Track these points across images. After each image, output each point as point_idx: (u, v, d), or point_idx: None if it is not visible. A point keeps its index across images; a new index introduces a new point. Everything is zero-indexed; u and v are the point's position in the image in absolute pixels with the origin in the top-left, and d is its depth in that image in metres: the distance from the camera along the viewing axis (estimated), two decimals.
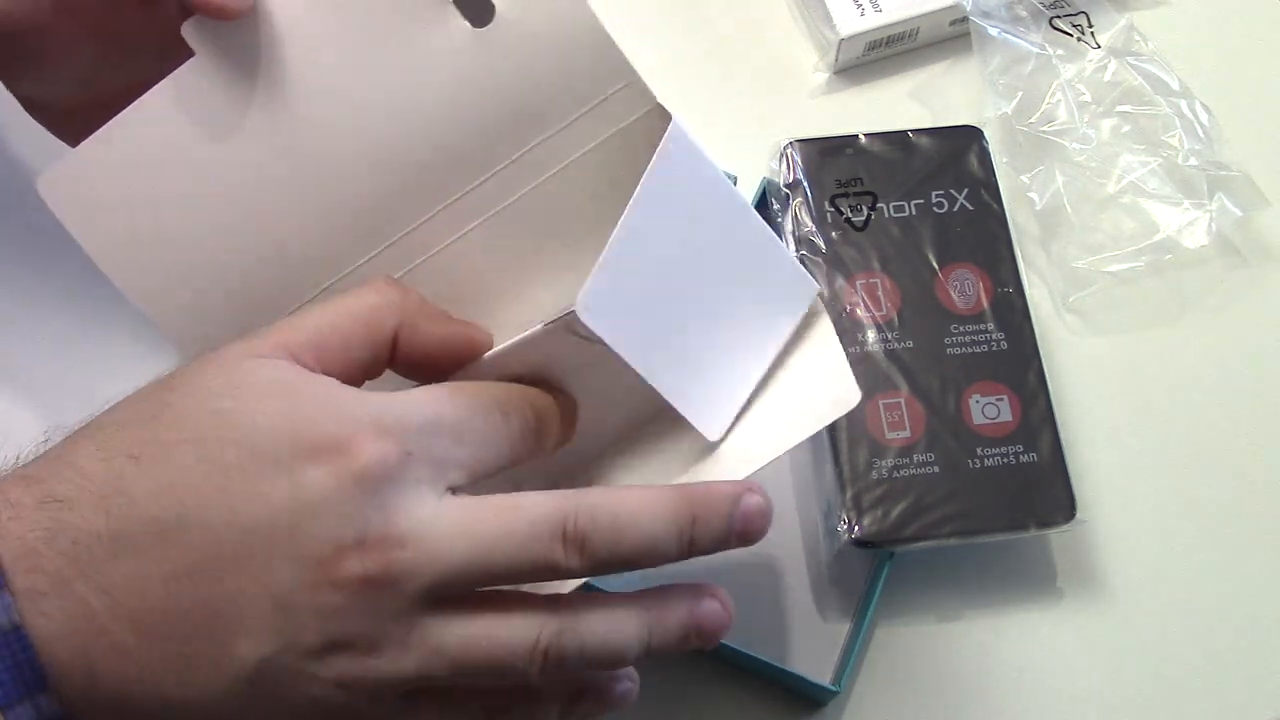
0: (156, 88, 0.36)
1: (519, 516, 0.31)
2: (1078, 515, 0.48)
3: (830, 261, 0.52)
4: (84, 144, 0.36)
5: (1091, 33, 0.61)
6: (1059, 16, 0.61)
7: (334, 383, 0.31)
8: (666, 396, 0.36)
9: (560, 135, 0.37)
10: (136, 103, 0.36)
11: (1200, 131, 0.58)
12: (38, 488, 0.29)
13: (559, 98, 0.37)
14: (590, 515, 0.32)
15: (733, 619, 0.36)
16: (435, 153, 0.37)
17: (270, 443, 0.29)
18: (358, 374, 0.33)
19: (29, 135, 0.44)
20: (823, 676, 0.48)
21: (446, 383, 0.33)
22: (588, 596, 0.34)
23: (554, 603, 0.33)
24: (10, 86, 0.41)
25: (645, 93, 0.38)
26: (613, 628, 0.33)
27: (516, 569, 0.31)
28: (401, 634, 0.30)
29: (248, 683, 0.29)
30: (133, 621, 0.28)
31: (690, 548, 0.34)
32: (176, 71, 0.36)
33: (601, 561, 0.32)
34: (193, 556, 0.29)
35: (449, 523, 0.31)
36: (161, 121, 0.36)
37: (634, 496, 0.33)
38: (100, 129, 0.36)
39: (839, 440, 0.49)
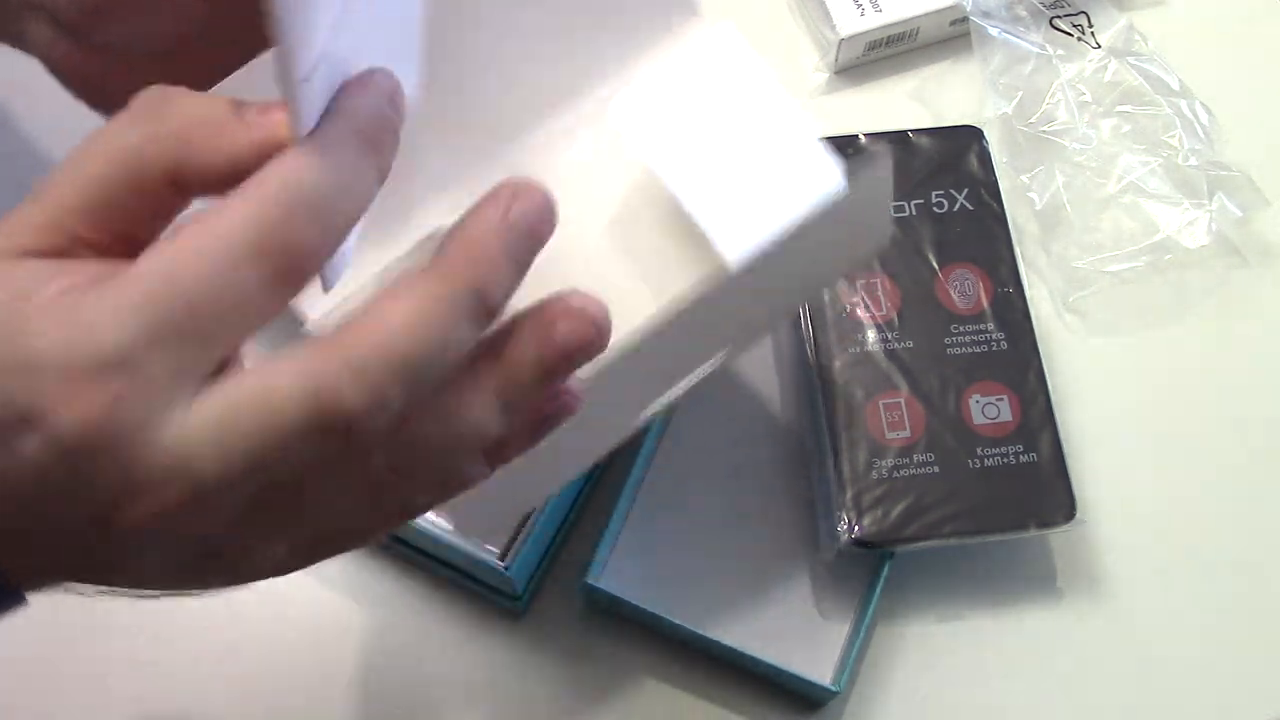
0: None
1: (274, 415, 0.26)
2: (1078, 515, 0.48)
3: None
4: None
5: (1091, 33, 0.61)
6: (1059, 16, 0.61)
7: (40, 311, 0.25)
8: None
9: None
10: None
11: (1200, 131, 0.58)
12: None
13: None
14: (354, 380, 0.26)
15: (601, 323, 0.29)
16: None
17: None
18: (125, 245, 0.27)
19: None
20: (823, 676, 0.48)
21: (172, 243, 0.26)
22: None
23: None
24: (88, 28, 0.38)
25: None
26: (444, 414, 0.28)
27: (291, 469, 0.27)
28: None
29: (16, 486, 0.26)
30: None
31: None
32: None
33: (394, 412, 0.27)
34: None
35: (198, 447, 0.26)
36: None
37: (399, 312, 0.27)
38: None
39: (839, 440, 0.49)
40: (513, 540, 0.46)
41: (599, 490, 0.51)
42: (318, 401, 0.26)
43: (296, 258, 0.26)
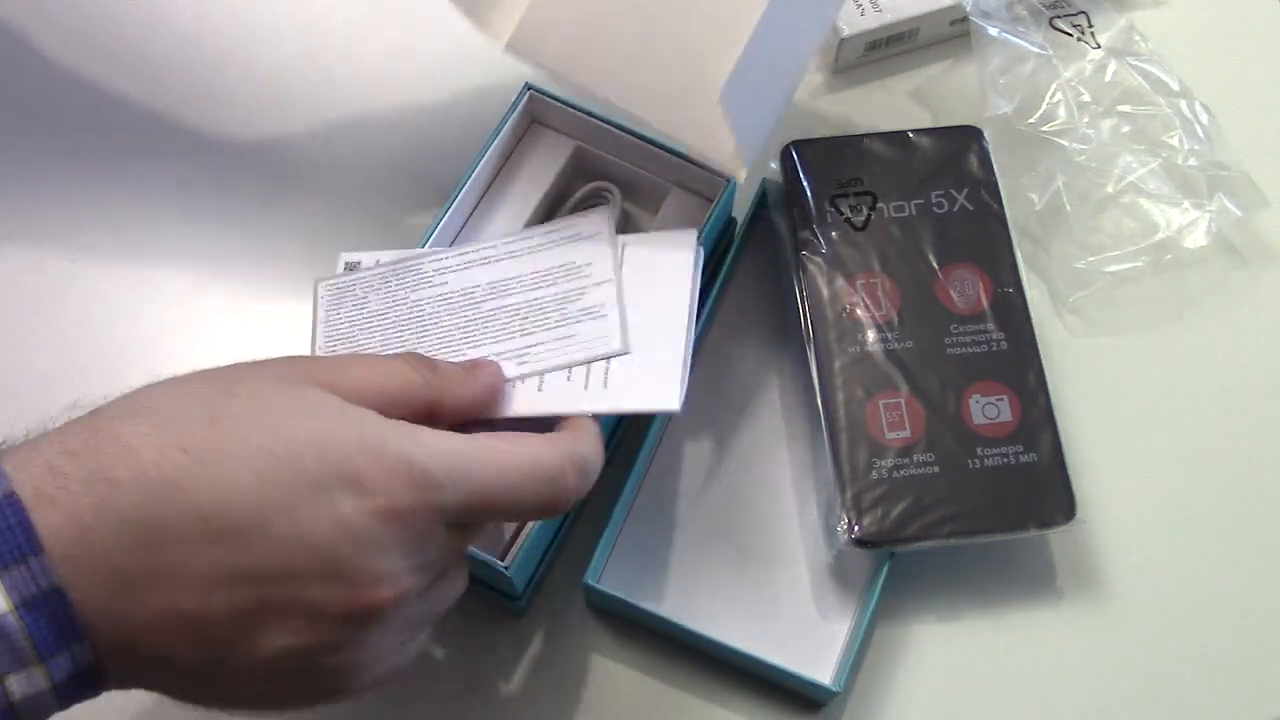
0: None
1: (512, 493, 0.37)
2: (1078, 515, 0.48)
3: (830, 261, 0.52)
4: None
5: (1091, 33, 0.61)
6: (1059, 16, 0.61)
7: (387, 421, 0.34)
8: None
9: None
10: None
11: (1200, 131, 0.58)
12: (84, 462, 0.31)
13: None
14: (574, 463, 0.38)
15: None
16: None
17: (317, 469, 0.32)
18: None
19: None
20: (823, 676, 0.48)
21: (501, 439, 0.37)
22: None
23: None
24: None
25: None
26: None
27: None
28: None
29: (264, 662, 0.32)
30: (170, 606, 0.31)
31: None
32: None
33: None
34: (236, 560, 0.31)
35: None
36: None
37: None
38: None
39: (839, 440, 0.49)
40: (513, 540, 0.46)
41: (599, 490, 0.51)
42: (557, 479, 0.38)
43: (563, 497, 0.38)
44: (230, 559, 0.31)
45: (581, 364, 0.44)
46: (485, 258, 0.48)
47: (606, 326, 0.45)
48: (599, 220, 0.48)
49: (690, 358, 0.44)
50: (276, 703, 0.35)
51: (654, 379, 0.44)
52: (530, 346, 0.45)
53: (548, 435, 0.38)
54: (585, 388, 0.44)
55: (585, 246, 0.47)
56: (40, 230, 0.56)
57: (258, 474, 0.31)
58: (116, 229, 0.56)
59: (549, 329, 0.45)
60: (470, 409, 0.40)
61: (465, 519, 0.36)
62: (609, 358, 0.44)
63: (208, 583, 0.31)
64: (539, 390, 0.44)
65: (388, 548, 0.33)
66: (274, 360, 0.36)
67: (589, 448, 0.39)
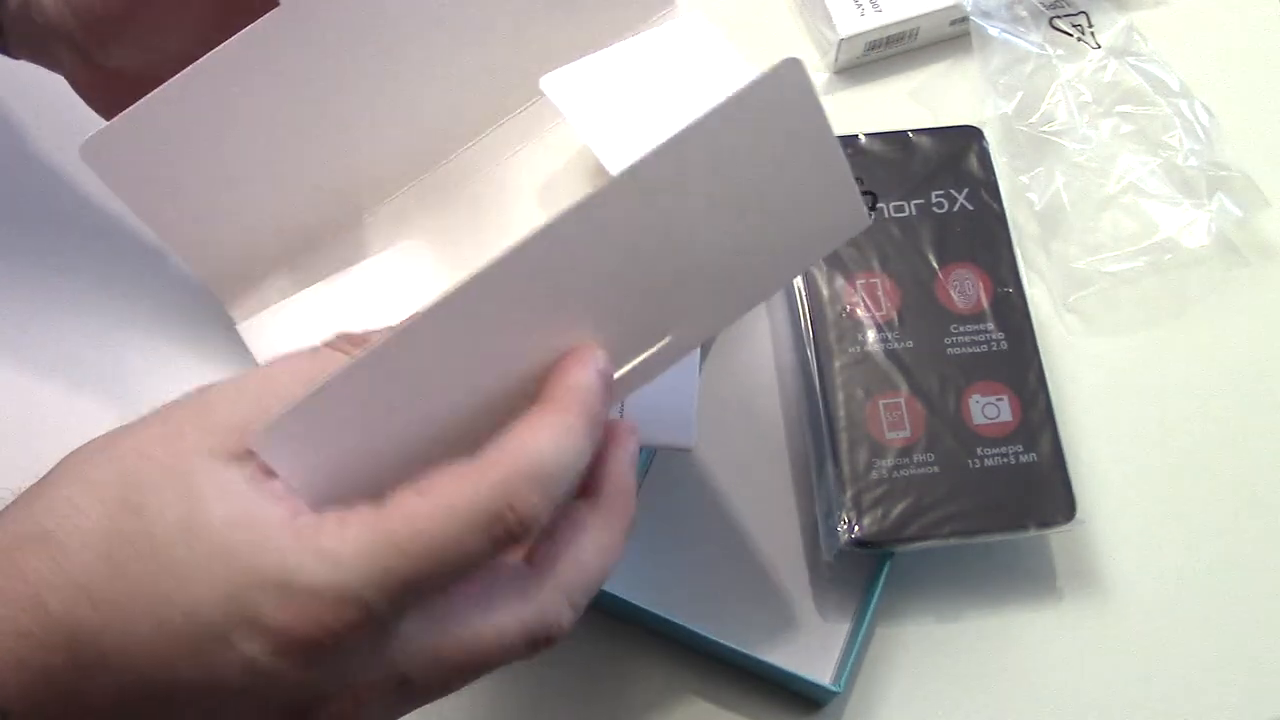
0: (225, 45, 0.38)
1: (498, 649, 0.32)
2: (1078, 515, 0.48)
3: (830, 261, 0.52)
4: (133, 109, 0.38)
5: (1091, 33, 0.61)
6: (1059, 16, 0.61)
7: (284, 531, 0.29)
8: None
9: None
10: (197, 63, 0.38)
11: (1200, 131, 0.58)
12: None
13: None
14: (569, 605, 0.32)
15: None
16: (491, 78, 0.38)
17: (214, 614, 0.29)
18: None
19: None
20: (823, 676, 0.48)
21: (414, 495, 0.30)
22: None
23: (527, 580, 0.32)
24: (99, 53, 0.42)
25: None
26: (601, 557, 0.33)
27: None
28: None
29: None
30: None
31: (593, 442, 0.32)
32: (250, 27, 0.38)
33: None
34: (161, 713, 0.30)
35: (419, 663, 0.31)
36: (220, 76, 0.38)
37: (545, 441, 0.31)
38: (153, 91, 0.38)
39: (839, 440, 0.49)
40: None
41: None
42: (544, 633, 0.32)
43: (521, 527, 0.30)
44: (155, 716, 0.30)
45: None
46: None
47: None
48: None
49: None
50: None
51: (669, 416, 0.44)
52: None
53: (480, 459, 0.30)
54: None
55: None
56: None
57: (158, 624, 0.29)
58: None
59: None
60: None
61: (412, 604, 0.30)
62: None
63: None
64: None
65: (315, 676, 0.30)
66: (175, 421, 0.31)
67: (545, 447, 0.30)
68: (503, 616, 0.31)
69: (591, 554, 0.33)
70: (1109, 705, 0.49)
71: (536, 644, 0.32)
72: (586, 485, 0.34)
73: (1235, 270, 0.57)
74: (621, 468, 0.34)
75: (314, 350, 0.33)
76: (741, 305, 0.36)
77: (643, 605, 0.47)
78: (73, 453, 0.31)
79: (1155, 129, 0.58)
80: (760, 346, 0.54)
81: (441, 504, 0.29)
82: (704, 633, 0.46)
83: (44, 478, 0.31)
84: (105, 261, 0.54)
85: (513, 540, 0.30)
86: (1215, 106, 0.58)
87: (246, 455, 0.30)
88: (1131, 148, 0.58)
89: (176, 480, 0.30)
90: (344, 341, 0.33)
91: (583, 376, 0.32)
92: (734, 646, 0.46)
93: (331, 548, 0.29)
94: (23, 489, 0.31)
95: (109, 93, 0.42)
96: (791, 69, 0.31)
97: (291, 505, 0.30)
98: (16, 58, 0.44)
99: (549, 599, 0.32)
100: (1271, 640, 0.50)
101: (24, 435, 0.50)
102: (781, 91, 0.32)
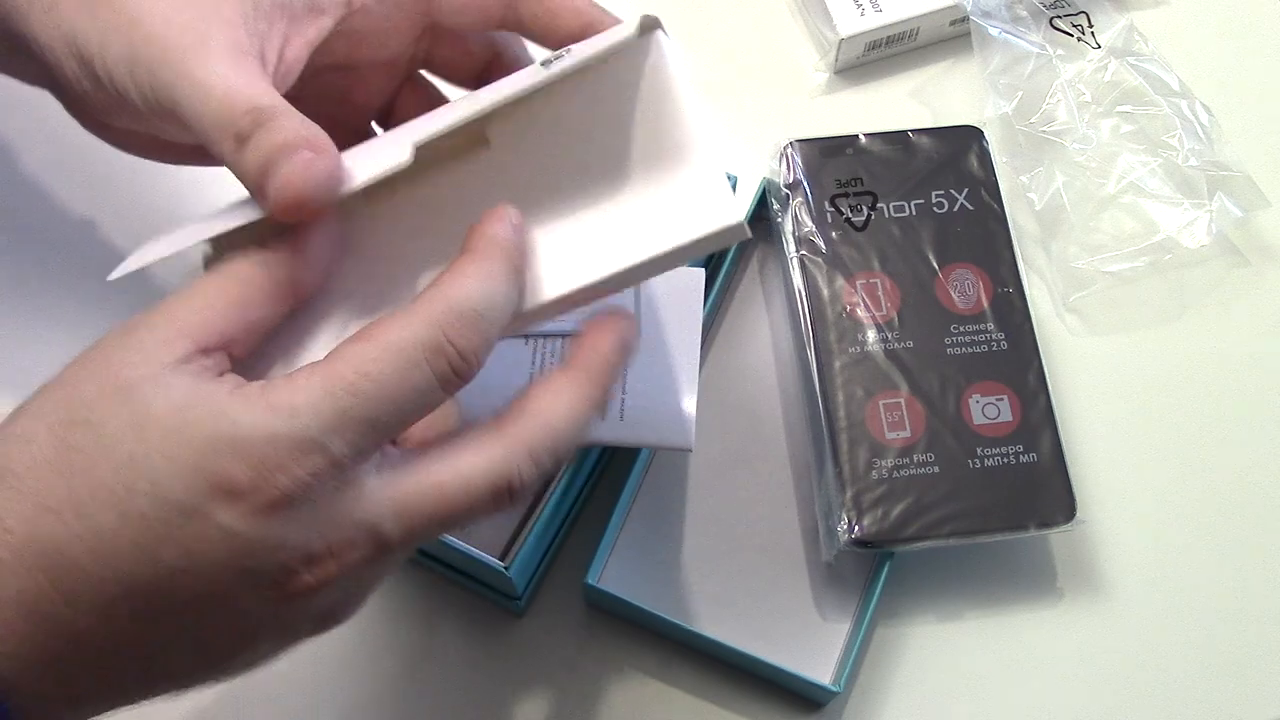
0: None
1: (469, 497, 0.32)
2: (1078, 515, 0.48)
3: (830, 261, 0.52)
4: None
5: (1091, 33, 0.61)
6: (1059, 16, 0.61)
7: (232, 397, 0.30)
8: None
9: None
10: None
11: (1200, 131, 0.58)
12: None
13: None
14: (532, 465, 0.33)
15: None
16: None
17: (181, 490, 0.29)
18: (260, 334, 0.33)
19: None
20: (823, 676, 0.48)
21: (356, 342, 0.31)
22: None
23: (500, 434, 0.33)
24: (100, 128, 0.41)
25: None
26: (572, 414, 0.34)
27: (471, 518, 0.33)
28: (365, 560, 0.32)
29: (224, 670, 0.32)
30: (112, 683, 0.31)
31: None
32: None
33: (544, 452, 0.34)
34: (151, 613, 0.30)
35: (386, 520, 0.31)
36: None
37: (560, 409, 0.34)
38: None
39: (839, 440, 0.49)
40: (513, 540, 0.46)
41: (599, 490, 0.51)
42: (505, 483, 0.32)
43: (462, 360, 0.31)
44: (137, 619, 0.30)
45: None
46: None
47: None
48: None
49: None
50: (251, 665, 0.33)
51: (668, 417, 0.44)
52: None
53: (414, 303, 0.32)
54: (602, 418, 0.44)
55: None
56: None
57: (124, 515, 0.29)
58: None
59: None
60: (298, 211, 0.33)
61: (370, 445, 0.31)
62: None
63: (141, 654, 0.30)
64: None
65: (291, 533, 0.30)
66: (102, 349, 0.31)
67: (471, 284, 0.32)
68: (464, 466, 0.32)
69: (559, 414, 0.33)
70: (1109, 705, 0.49)
71: (500, 496, 0.32)
72: (567, 357, 0.35)
73: (1235, 270, 0.57)
74: (600, 339, 0.35)
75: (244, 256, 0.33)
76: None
77: (643, 605, 0.47)
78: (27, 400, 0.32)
79: (1155, 129, 0.58)
80: (760, 346, 0.54)
81: (383, 343, 0.31)
82: (704, 633, 0.46)
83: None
84: (72, 273, 0.54)
85: (456, 376, 0.31)
86: (1215, 106, 0.58)
87: (182, 357, 0.31)
88: (1131, 148, 0.58)
89: (117, 392, 0.30)
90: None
91: (499, 229, 0.33)
92: (734, 646, 0.46)
93: (284, 401, 0.30)
94: None
95: (101, 128, 0.41)
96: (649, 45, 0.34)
97: (234, 380, 0.31)
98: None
99: (512, 452, 0.32)
100: (1272, 640, 0.50)
101: None
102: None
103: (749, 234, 0.34)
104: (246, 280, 0.32)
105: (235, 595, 0.30)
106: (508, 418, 0.33)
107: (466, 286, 0.32)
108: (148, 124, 0.37)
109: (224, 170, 0.34)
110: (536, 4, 0.39)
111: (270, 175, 0.32)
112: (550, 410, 0.33)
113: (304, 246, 0.33)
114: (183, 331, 0.31)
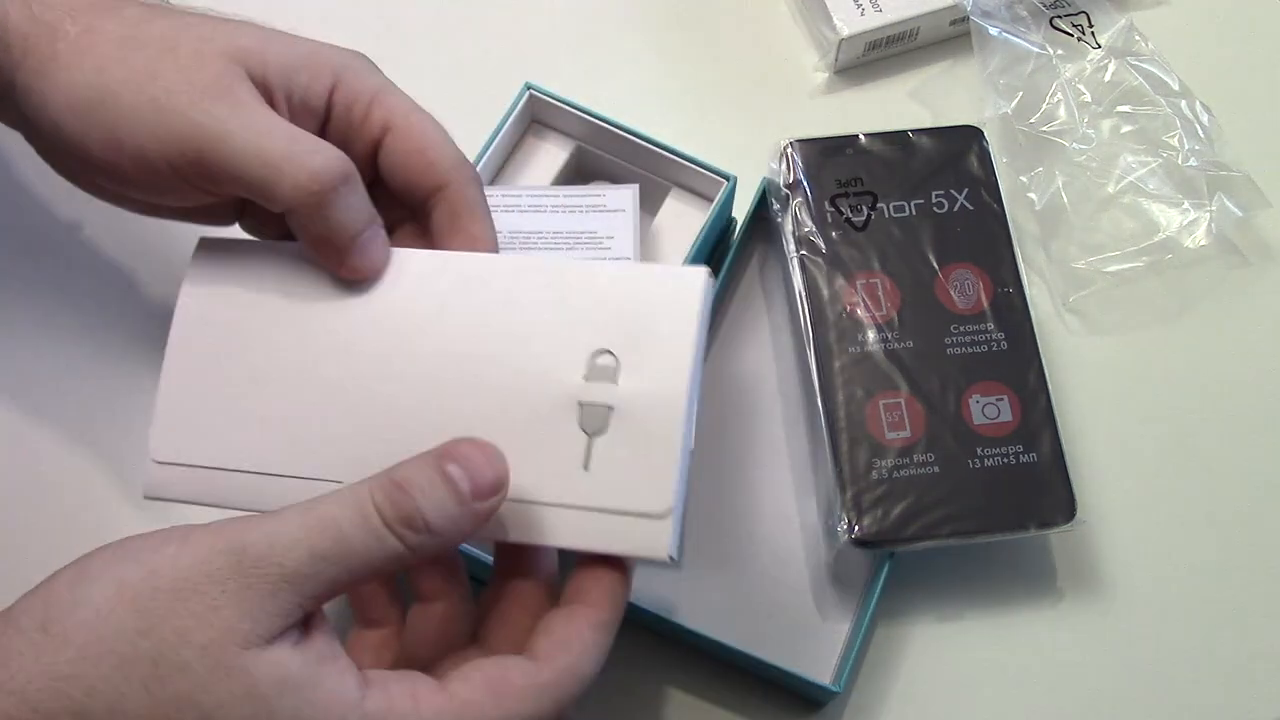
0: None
1: None
2: (1078, 515, 0.48)
3: (830, 261, 0.52)
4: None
5: (1092, 33, 0.61)
6: (1059, 16, 0.61)
7: (354, 705, 0.30)
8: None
9: None
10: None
11: (1200, 131, 0.58)
12: None
13: None
14: (572, 700, 0.34)
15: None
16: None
17: None
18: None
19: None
20: (823, 676, 0.48)
21: (495, 707, 0.32)
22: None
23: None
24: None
25: None
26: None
27: None
28: None
29: None
30: None
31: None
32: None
33: None
34: None
35: None
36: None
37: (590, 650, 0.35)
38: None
39: (839, 440, 0.49)
40: None
41: None
42: None
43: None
44: None
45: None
46: (511, 205, 0.47)
47: None
48: (627, 196, 0.48)
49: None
50: None
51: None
52: None
53: (543, 665, 0.33)
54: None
55: (610, 218, 0.47)
56: None
57: None
58: None
59: None
60: (459, 541, 0.34)
61: None
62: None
63: None
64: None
65: None
66: (205, 594, 0.30)
67: (593, 666, 0.34)
68: None
69: (591, 656, 0.34)
70: (1109, 705, 0.49)
71: None
72: (586, 592, 0.35)
73: (1235, 270, 0.57)
74: (614, 574, 0.36)
75: (359, 505, 0.32)
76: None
77: (642, 606, 0.47)
78: (77, 595, 0.30)
79: (1155, 129, 0.58)
80: (760, 346, 0.54)
81: (516, 712, 0.32)
82: (704, 633, 0.46)
83: (49, 623, 0.30)
84: (76, 285, 0.54)
85: None
86: (1215, 106, 0.58)
87: (287, 628, 0.30)
88: (1131, 148, 0.58)
89: (229, 675, 0.29)
90: (388, 506, 0.32)
91: (620, 581, 0.35)
92: (734, 646, 0.46)
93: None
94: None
95: (76, 174, 0.40)
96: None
97: (350, 675, 0.31)
98: None
99: (558, 699, 0.33)
100: (1272, 640, 0.50)
101: None
102: None
103: (674, 563, 0.35)
104: (381, 568, 0.32)
105: None
106: (552, 655, 0.33)
107: (593, 666, 0.34)
108: (144, 181, 0.37)
109: None
110: (396, 153, 0.39)
111: (355, 248, 0.36)
112: (589, 649, 0.34)
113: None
114: (301, 605, 0.31)
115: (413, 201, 0.39)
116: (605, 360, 0.35)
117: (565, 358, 0.35)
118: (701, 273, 0.36)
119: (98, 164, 0.37)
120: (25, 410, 0.51)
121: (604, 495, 0.34)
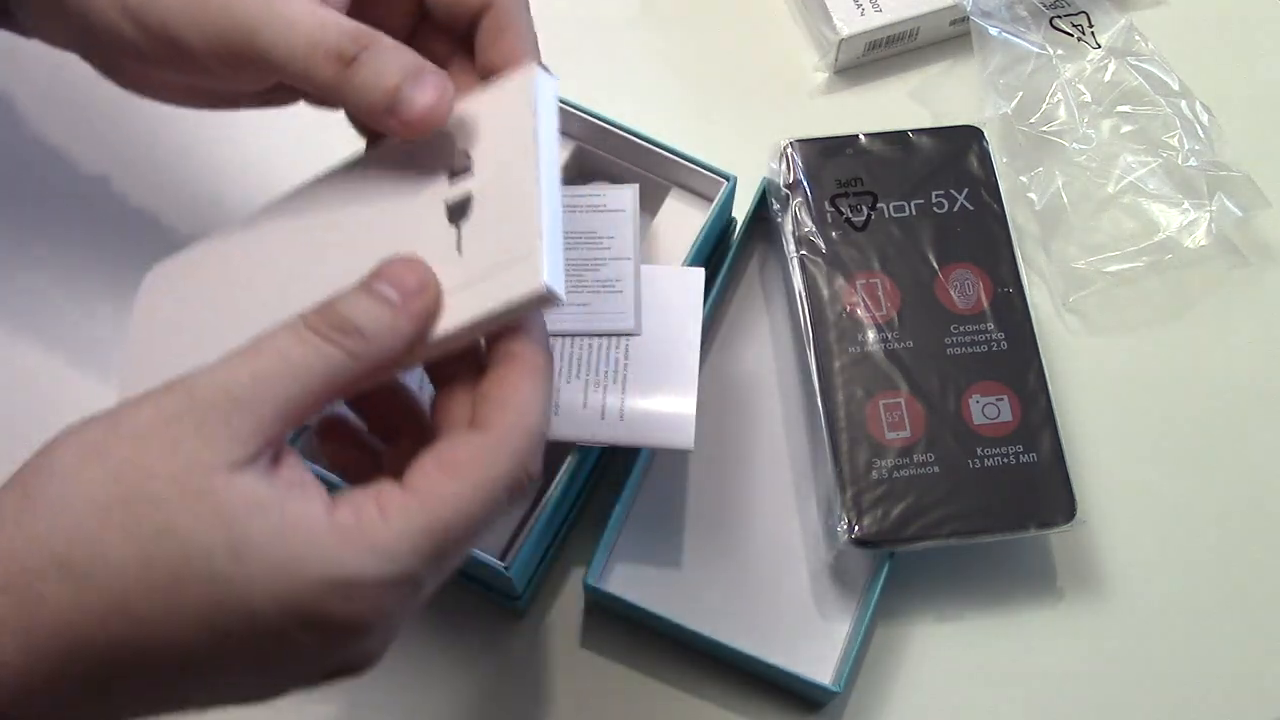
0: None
1: (489, 508, 0.33)
2: (1078, 515, 0.48)
3: (830, 261, 0.52)
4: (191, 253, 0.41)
5: (1092, 33, 0.61)
6: (1059, 16, 0.61)
7: (333, 534, 0.31)
8: None
9: None
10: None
11: (1200, 131, 0.58)
12: (16, 634, 0.29)
13: None
14: (536, 449, 0.34)
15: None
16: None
17: (275, 620, 0.30)
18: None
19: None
20: (823, 676, 0.48)
21: (447, 476, 0.32)
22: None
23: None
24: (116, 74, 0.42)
25: None
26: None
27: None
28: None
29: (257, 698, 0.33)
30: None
31: None
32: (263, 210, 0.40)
33: None
34: (205, 694, 0.32)
35: (429, 565, 0.33)
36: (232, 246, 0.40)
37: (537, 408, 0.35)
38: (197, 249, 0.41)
39: (839, 440, 0.49)
40: (513, 540, 0.46)
41: (599, 490, 0.51)
42: (522, 477, 0.33)
43: (533, 481, 0.34)
44: (195, 696, 0.32)
45: (590, 335, 0.44)
46: None
47: (622, 303, 0.45)
48: (627, 196, 0.48)
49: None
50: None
51: (668, 417, 0.45)
52: None
53: (491, 432, 0.33)
54: (602, 418, 0.44)
55: (610, 218, 0.47)
56: None
57: (212, 630, 0.30)
58: None
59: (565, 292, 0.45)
60: (408, 355, 0.34)
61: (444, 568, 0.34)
62: (620, 335, 0.44)
63: (177, 707, 0.32)
64: (554, 414, 0.44)
65: (364, 645, 0.32)
66: (166, 435, 0.31)
67: (539, 413, 0.34)
68: (481, 482, 0.33)
69: (537, 400, 0.34)
70: (1109, 705, 0.49)
71: (516, 492, 0.34)
72: (509, 352, 0.35)
73: (1235, 270, 0.57)
74: (532, 331, 0.35)
75: (294, 327, 0.33)
76: None
77: (643, 605, 0.47)
78: (52, 462, 0.31)
79: (1155, 129, 0.58)
80: (760, 346, 0.54)
81: (474, 481, 0.32)
82: (704, 633, 0.46)
83: (28, 490, 0.31)
84: (91, 232, 0.55)
85: (523, 493, 0.34)
86: (1215, 106, 0.58)
87: (253, 454, 0.31)
88: (1131, 148, 0.58)
89: (199, 500, 0.30)
90: (319, 321, 0.33)
91: (534, 328, 0.35)
92: (734, 646, 0.46)
93: (385, 545, 0.31)
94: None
95: (139, 80, 0.42)
96: None
97: (318, 496, 0.32)
98: (30, 36, 0.43)
99: (516, 448, 0.33)
100: (1272, 640, 0.50)
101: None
102: None
103: (562, 300, 0.34)
104: (328, 378, 0.32)
105: (289, 680, 0.32)
106: (492, 418, 0.33)
107: (539, 414, 0.34)
108: (195, 70, 0.38)
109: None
110: None
111: (402, 95, 0.35)
112: (528, 401, 0.34)
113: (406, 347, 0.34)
114: (258, 429, 0.31)
115: (459, 29, 0.40)
116: (461, 162, 0.37)
117: (429, 176, 0.37)
118: (533, 68, 0.37)
119: (162, 62, 0.39)
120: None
121: (478, 264, 0.35)
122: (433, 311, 0.34)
